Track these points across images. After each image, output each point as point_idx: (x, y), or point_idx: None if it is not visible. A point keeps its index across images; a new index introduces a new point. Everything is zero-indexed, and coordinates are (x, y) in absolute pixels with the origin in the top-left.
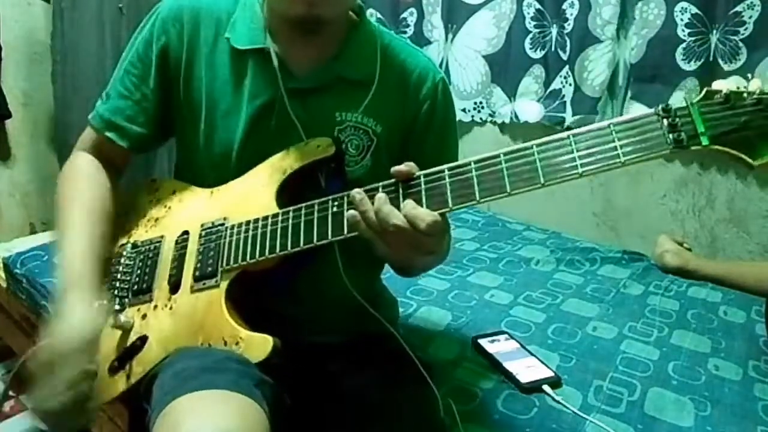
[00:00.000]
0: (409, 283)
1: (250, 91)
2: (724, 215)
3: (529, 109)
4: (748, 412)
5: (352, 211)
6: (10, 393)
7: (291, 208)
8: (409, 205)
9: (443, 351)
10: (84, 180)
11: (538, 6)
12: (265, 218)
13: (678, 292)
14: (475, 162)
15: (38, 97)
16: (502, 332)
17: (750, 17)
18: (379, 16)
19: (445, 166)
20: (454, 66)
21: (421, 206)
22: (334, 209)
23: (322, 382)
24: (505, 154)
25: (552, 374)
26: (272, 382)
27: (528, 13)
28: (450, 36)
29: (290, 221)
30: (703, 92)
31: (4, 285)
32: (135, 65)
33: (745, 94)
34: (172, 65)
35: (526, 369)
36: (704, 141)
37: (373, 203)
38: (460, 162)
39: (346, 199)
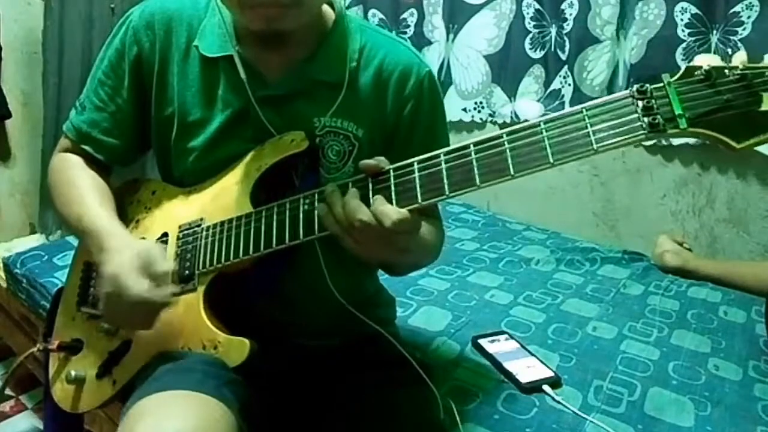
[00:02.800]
0: (409, 283)
1: (223, 100)
2: (724, 215)
3: (529, 109)
4: (748, 412)
5: (321, 204)
6: (10, 393)
7: (264, 207)
8: (378, 201)
9: (443, 351)
10: (81, 168)
11: (537, 6)
12: (239, 218)
13: (678, 292)
14: (445, 154)
15: (38, 97)
16: (502, 332)
17: (748, 17)
18: (381, 16)
19: (414, 159)
20: (456, 66)
21: (391, 202)
22: (306, 207)
23: (321, 385)
24: (474, 144)
25: (552, 374)
26: (244, 382)
27: (527, 14)
28: (451, 36)
29: (263, 221)
30: (682, 69)
31: (4, 285)
32: (108, 75)
33: (726, 70)
34: (145, 74)
35: (526, 369)
36: (682, 123)
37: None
38: (429, 155)
39: (317, 196)
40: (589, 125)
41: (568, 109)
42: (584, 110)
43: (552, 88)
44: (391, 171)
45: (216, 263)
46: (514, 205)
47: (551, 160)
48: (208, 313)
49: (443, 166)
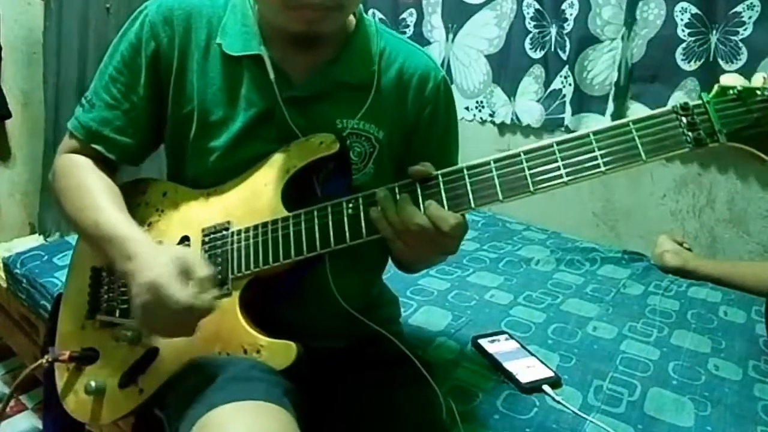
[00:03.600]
0: (409, 283)
1: (246, 99)
2: (724, 215)
3: (529, 109)
4: (748, 412)
5: (374, 209)
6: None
7: (302, 210)
8: (432, 205)
9: (443, 351)
10: (91, 170)
11: (537, 6)
12: (275, 222)
13: (678, 292)
14: (495, 161)
15: (38, 97)
16: (502, 332)
17: (750, 18)
18: (380, 15)
19: (463, 165)
20: (457, 65)
21: (442, 207)
22: (350, 211)
23: (323, 385)
24: (525, 152)
25: (552, 374)
26: (297, 389)
27: (528, 13)
28: (451, 36)
29: (303, 225)
30: (717, 89)
31: (4, 285)
32: (122, 72)
33: (757, 91)
34: (163, 70)
35: (526, 369)
36: (722, 138)
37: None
38: (478, 161)
39: (361, 200)
40: (637, 137)
41: (613, 123)
42: (631, 123)
43: (552, 88)
44: (440, 176)
45: (253, 267)
46: (514, 205)
47: (603, 169)
48: (246, 317)
49: (494, 173)
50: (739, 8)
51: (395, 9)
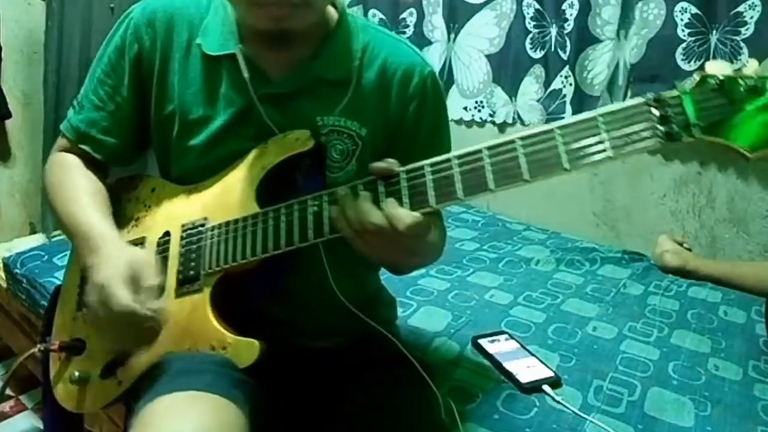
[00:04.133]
0: (409, 283)
1: (225, 98)
2: (724, 215)
3: (530, 108)
4: (748, 412)
5: (333, 207)
6: (10, 393)
7: (271, 208)
8: (390, 204)
9: (443, 351)
10: (78, 167)
11: (537, 6)
12: (245, 219)
13: (678, 292)
14: (457, 157)
15: (38, 97)
16: (502, 332)
17: (751, 17)
18: (380, 16)
19: (426, 162)
20: (458, 65)
21: (402, 205)
22: (314, 209)
23: (322, 385)
24: (488, 148)
25: (552, 374)
26: (255, 383)
27: (528, 13)
28: (452, 36)
29: (270, 222)
30: (698, 78)
31: (4, 285)
32: (108, 74)
33: (740, 80)
34: (146, 72)
35: (526, 369)
36: (697, 133)
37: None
38: (441, 158)
39: (325, 197)
40: (603, 132)
41: (582, 115)
42: (599, 117)
43: (552, 88)
44: (403, 174)
45: (222, 264)
46: (514, 205)
47: (567, 167)
48: (215, 314)
49: (456, 169)
50: (740, 8)
51: (395, 9)
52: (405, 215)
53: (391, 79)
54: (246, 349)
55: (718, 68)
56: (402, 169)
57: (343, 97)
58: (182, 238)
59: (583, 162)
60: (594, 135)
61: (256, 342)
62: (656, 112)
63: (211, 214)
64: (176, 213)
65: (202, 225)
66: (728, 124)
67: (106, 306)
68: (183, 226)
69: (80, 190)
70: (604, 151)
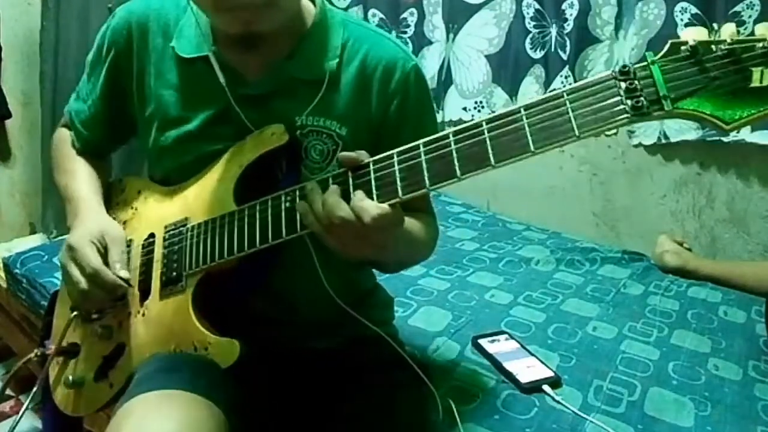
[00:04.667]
0: (409, 283)
1: (203, 99)
2: (724, 215)
3: None
4: (748, 412)
5: (301, 202)
6: (10, 393)
7: (247, 205)
8: (357, 196)
9: (443, 351)
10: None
11: (537, 6)
12: (223, 217)
13: (678, 292)
14: (424, 144)
15: (38, 97)
16: (502, 332)
17: (750, 17)
18: (381, 16)
19: (394, 151)
20: (457, 65)
21: (372, 197)
22: (287, 204)
23: (320, 386)
24: (454, 134)
25: (552, 374)
26: (240, 384)
27: (527, 14)
28: (451, 36)
29: (246, 219)
30: (667, 46)
31: (4, 285)
32: (92, 71)
33: (713, 45)
34: (123, 76)
35: (526, 369)
36: (667, 105)
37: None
38: (409, 146)
39: (297, 192)
40: (570, 110)
41: (548, 93)
42: (565, 94)
43: (552, 88)
44: (371, 164)
45: (202, 264)
46: (514, 205)
47: (533, 148)
48: (197, 314)
49: (423, 158)
50: (738, 8)
51: (396, 9)
52: (371, 207)
53: (372, 75)
54: (226, 349)
55: (692, 34)
56: (370, 159)
57: (321, 96)
58: (165, 239)
59: (549, 142)
60: (560, 114)
61: (235, 342)
62: (623, 85)
63: (191, 213)
64: (160, 215)
65: (183, 225)
66: (702, 94)
67: (77, 265)
68: (166, 227)
69: (76, 164)
70: (570, 130)
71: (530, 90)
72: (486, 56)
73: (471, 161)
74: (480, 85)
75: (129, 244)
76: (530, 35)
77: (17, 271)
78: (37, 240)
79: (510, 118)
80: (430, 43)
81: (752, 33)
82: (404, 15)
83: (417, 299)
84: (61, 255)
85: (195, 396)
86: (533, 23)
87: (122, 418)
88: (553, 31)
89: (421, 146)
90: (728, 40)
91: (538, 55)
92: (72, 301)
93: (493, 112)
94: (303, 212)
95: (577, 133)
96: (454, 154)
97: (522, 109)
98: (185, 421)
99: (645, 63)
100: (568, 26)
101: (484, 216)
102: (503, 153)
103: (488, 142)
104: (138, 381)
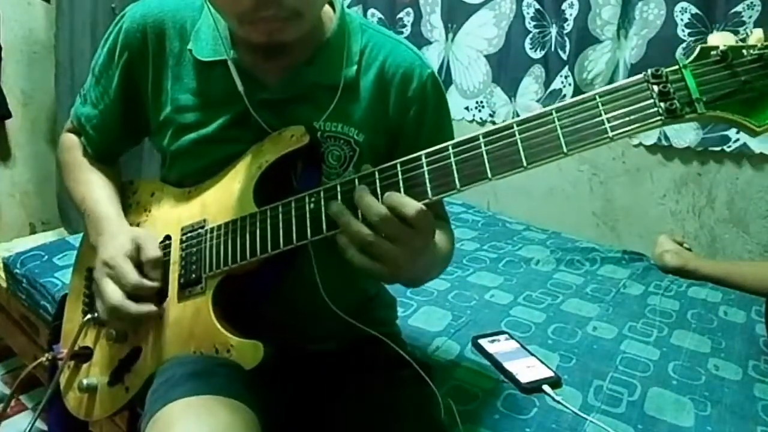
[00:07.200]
0: None
1: (220, 103)
2: (724, 215)
3: (530, 108)
4: (748, 412)
5: (335, 202)
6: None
7: (269, 207)
8: (390, 194)
9: (443, 351)
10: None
11: (537, 6)
12: (244, 219)
13: (678, 292)
14: (453, 146)
15: (38, 97)
16: (502, 332)
17: (750, 17)
18: (379, 15)
19: (422, 153)
20: (456, 65)
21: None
22: (312, 205)
23: (322, 386)
24: (484, 135)
25: (552, 374)
26: (263, 386)
27: (527, 13)
28: (450, 36)
29: (269, 221)
30: (698, 50)
31: (4, 285)
32: (102, 75)
33: (744, 50)
34: (138, 78)
35: (526, 369)
36: (700, 108)
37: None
38: (437, 147)
39: (322, 194)
40: (603, 112)
41: (579, 96)
42: (597, 96)
43: (552, 88)
44: (398, 165)
45: (223, 266)
46: (514, 205)
47: (565, 150)
48: (218, 316)
49: (452, 159)
50: (739, 8)
51: (393, 8)
52: (411, 201)
53: (390, 83)
54: (250, 351)
55: (720, 39)
56: (399, 160)
57: (339, 102)
58: (182, 241)
59: (582, 144)
60: (593, 116)
61: (259, 344)
62: (656, 89)
63: (210, 215)
64: (176, 216)
65: (202, 227)
66: (733, 98)
67: (116, 281)
68: (183, 229)
69: (90, 173)
70: (604, 132)
71: (530, 90)
72: (486, 56)
73: (502, 162)
74: (480, 85)
75: None
76: (530, 35)
77: (17, 271)
78: (37, 240)
79: (541, 120)
80: (428, 42)
81: None
82: (401, 15)
83: (417, 299)
84: (96, 272)
85: (234, 401)
86: (533, 23)
87: (166, 422)
88: (553, 31)
89: (450, 148)
90: (758, 45)
91: (537, 55)
92: (102, 315)
93: (494, 112)
94: (336, 211)
95: (610, 134)
96: (485, 156)
97: (553, 111)
98: (230, 427)
99: (677, 67)
100: (568, 26)
101: (484, 216)
102: (535, 154)
103: (519, 143)
104: (167, 385)
